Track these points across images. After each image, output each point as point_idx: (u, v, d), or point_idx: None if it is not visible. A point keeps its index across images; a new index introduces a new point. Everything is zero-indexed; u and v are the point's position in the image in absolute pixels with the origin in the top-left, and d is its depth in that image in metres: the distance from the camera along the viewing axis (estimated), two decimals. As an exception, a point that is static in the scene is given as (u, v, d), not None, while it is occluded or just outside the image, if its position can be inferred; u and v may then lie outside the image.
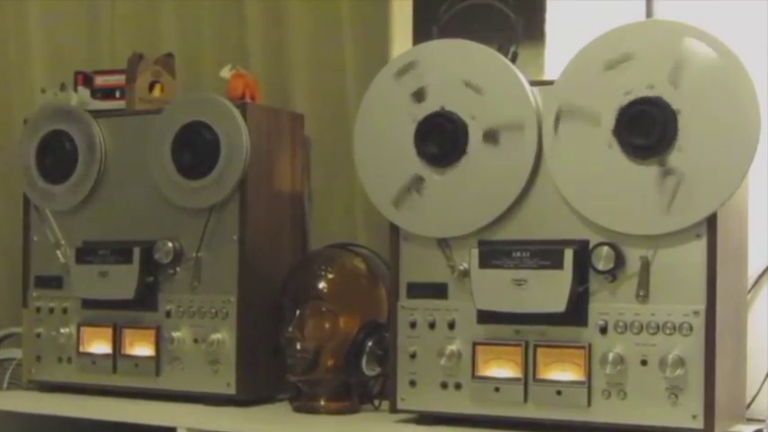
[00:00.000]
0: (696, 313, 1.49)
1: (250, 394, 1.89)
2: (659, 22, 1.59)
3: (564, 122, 1.55)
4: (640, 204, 1.50)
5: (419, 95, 1.64)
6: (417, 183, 1.64)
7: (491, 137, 1.60)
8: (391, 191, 1.66)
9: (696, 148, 1.47)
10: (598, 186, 1.53)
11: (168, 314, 1.93)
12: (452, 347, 1.63)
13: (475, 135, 1.61)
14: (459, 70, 1.62)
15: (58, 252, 2.05)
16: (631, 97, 1.49)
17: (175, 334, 1.91)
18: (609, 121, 1.51)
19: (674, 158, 1.48)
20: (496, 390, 1.59)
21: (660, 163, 1.48)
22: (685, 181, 1.47)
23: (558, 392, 1.55)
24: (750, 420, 1.66)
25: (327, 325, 1.80)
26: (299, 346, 1.79)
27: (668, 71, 1.48)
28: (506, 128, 1.59)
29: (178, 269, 1.93)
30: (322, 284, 1.81)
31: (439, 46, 1.67)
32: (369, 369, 1.79)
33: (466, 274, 1.61)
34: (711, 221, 1.48)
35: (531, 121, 1.58)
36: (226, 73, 1.98)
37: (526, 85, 1.59)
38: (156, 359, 1.93)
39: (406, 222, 1.66)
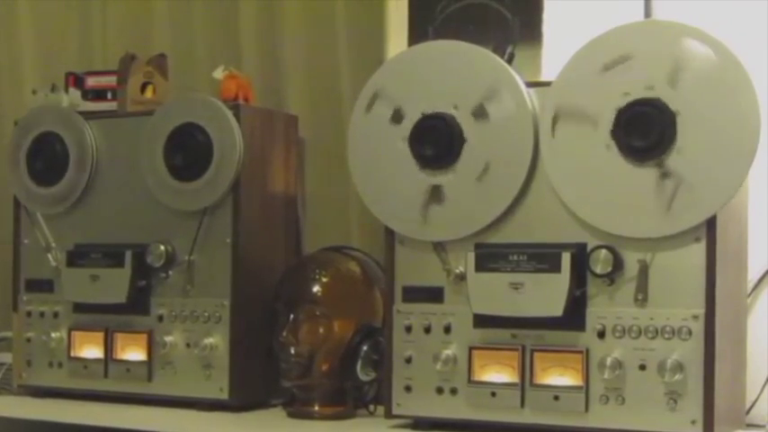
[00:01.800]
0: (695, 317, 1.48)
1: (243, 399, 1.88)
2: (658, 23, 1.58)
3: (561, 124, 1.54)
4: (639, 207, 1.49)
5: (397, 116, 1.64)
6: (435, 193, 1.63)
7: (480, 113, 1.58)
8: (413, 213, 1.64)
9: (695, 150, 1.46)
10: (596, 189, 1.52)
11: (160, 318, 1.92)
12: (448, 352, 1.62)
13: (464, 120, 1.59)
14: (429, 76, 1.62)
15: (49, 255, 2.03)
16: (630, 98, 1.48)
17: (168, 338, 1.90)
18: (607, 122, 1.50)
19: (673, 160, 1.47)
20: (493, 395, 1.59)
21: (659, 165, 1.47)
22: (684, 183, 1.46)
23: (556, 398, 1.54)
24: (750, 426, 1.66)
25: (322, 329, 1.79)
26: (293, 351, 1.78)
27: (667, 72, 1.47)
28: (488, 99, 1.58)
29: (170, 273, 1.92)
30: (316, 288, 1.80)
31: (393, 66, 1.69)
32: (364, 374, 1.78)
33: (462, 277, 1.61)
34: (711, 224, 1.47)
35: (528, 124, 1.56)
36: (219, 74, 1.97)
37: (523, 85, 1.58)
38: (149, 364, 1.92)
39: (435, 234, 1.64)
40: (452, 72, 1.61)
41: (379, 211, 1.68)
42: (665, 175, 1.47)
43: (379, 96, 1.66)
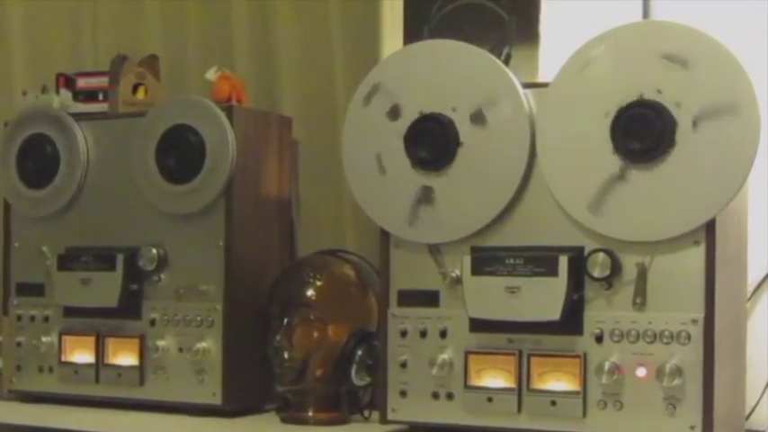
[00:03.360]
0: (694, 321, 1.47)
1: (236, 404, 1.87)
2: (658, 23, 1.57)
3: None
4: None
5: (394, 113, 1.63)
6: (426, 194, 1.62)
7: (478, 118, 1.57)
8: (401, 211, 1.63)
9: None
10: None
11: (152, 322, 1.91)
12: (444, 356, 1.61)
13: (462, 125, 1.58)
14: (429, 74, 1.60)
15: (40, 259, 2.01)
16: (629, 100, 1.47)
17: (160, 343, 1.89)
18: (605, 123, 1.49)
19: (672, 162, 1.45)
20: (489, 400, 1.57)
21: (657, 167, 1.46)
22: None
23: (553, 403, 1.53)
24: None
25: (316, 333, 1.78)
26: (286, 356, 1.77)
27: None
28: (488, 104, 1.57)
29: (162, 276, 1.91)
30: (310, 292, 1.79)
31: (397, 59, 1.67)
32: (358, 379, 1.77)
33: (458, 281, 1.59)
34: (710, 227, 1.46)
35: (525, 126, 1.55)
36: (211, 75, 1.96)
37: (519, 87, 1.57)
38: (140, 369, 1.91)
39: (421, 236, 1.63)
40: (453, 73, 1.60)
41: (370, 209, 1.66)
42: (662, 177, 1.46)
43: (378, 90, 1.65)
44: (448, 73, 1.60)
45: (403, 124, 1.62)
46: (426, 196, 1.61)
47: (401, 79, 1.64)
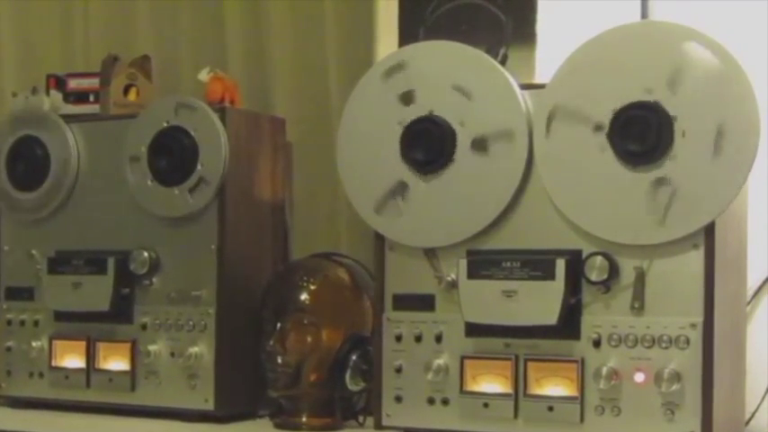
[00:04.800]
0: (693, 326, 1.46)
1: (229, 410, 1.85)
2: (658, 24, 1.56)
3: (556, 126, 1.52)
4: (635, 213, 1.47)
5: (407, 98, 1.61)
6: (401, 189, 1.61)
7: (480, 145, 1.57)
8: (373, 196, 1.63)
9: (693, 154, 1.44)
10: (591, 194, 1.50)
11: (144, 327, 1.89)
12: (440, 361, 1.60)
13: (463, 143, 1.58)
14: (450, 74, 1.59)
15: (30, 262, 2.00)
16: (627, 101, 1.46)
17: (151, 347, 1.87)
18: (603, 125, 1.48)
19: (671, 165, 1.45)
20: (485, 405, 1.57)
21: (655, 170, 1.45)
22: (682, 188, 1.44)
23: (550, 408, 1.52)
24: (749, 437, 1.65)
25: (310, 338, 1.76)
26: (280, 360, 1.76)
27: (667, 76, 1.45)
28: (496, 136, 1.56)
29: (154, 280, 1.89)
30: (304, 296, 1.78)
31: (430, 47, 1.63)
32: (353, 384, 1.76)
33: (454, 285, 1.59)
34: (709, 231, 1.45)
35: (522, 128, 1.54)
36: (204, 76, 1.95)
37: (516, 88, 1.55)
38: (132, 374, 1.89)
39: (387, 229, 1.64)
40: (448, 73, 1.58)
41: (348, 179, 1.65)
42: (661, 180, 1.45)
43: (403, 68, 1.61)
44: (469, 87, 1.57)
45: (409, 114, 1.60)
46: (401, 191, 1.60)
47: (427, 70, 1.60)
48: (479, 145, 1.56)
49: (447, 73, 1.59)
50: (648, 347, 1.47)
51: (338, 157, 1.68)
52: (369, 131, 1.64)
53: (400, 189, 1.61)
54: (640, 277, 1.48)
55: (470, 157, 1.57)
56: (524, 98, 1.55)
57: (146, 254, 1.88)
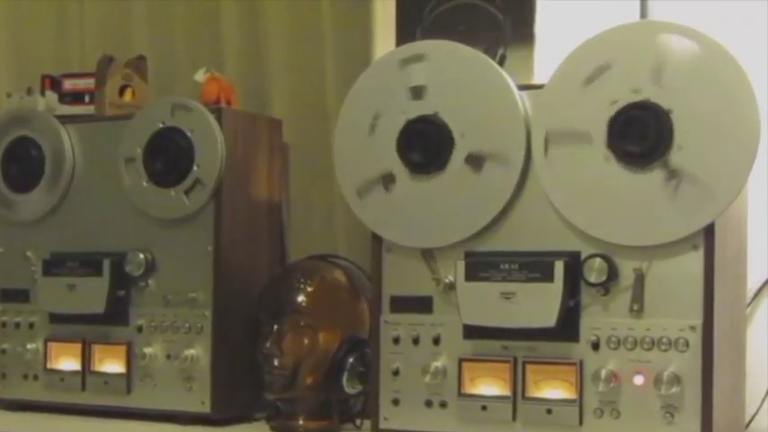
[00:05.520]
0: (693, 328, 1.45)
1: (226, 413, 1.85)
2: (631, 25, 1.54)
3: (554, 146, 1.51)
4: (634, 213, 1.46)
5: (417, 92, 1.60)
6: (388, 180, 1.61)
7: (475, 162, 1.56)
8: (359, 177, 1.63)
9: (692, 150, 1.42)
10: (591, 196, 1.49)
11: (140, 329, 1.89)
12: (437, 364, 1.59)
13: (459, 154, 1.57)
14: (463, 78, 1.57)
15: (25, 264, 1.99)
16: (618, 106, 1.46)
17: (147, 350, 1.87)
18: (600, 135, 1.47)
19: (668, 164, 1.43)
20: (484, 408, 1.56)
21: (655, 170, 1.44)
22: (682, 189, 1.43)
23: (549, 411, 1.52)
24: (749, 439, 1.65)
25: (306, 340, 1.76)
26: (276, 363, 1.75)
27: (649, 71, 1.44)
28: (492, 156, 1.55)
29: (150, 282, 1.89)
30: (301, 298, 1.77)
31: (452, 48, 1.60)
32: (350, 387, 1.75)
33: (452, 286, 1.58)
34: (709, 231, 1.44)
35: (518, 153, 1.54)
36: (200, 76, 1.95)
37: (515, 89, 1.55)
38: (127, 376, 1.89)
39: (368, 218, 1.64)
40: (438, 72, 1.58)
41: (340, 159, 1.65)
42: (661, 180, 1.43)
43: (421, 60, 1.59)
44: (435, 75, 1.57)
45: (416, 110, 1.59)
46: (386, 181, 1.60)
47: (444, 70, 1.59)
48: (474, 161, 1.56)
49: (461, 77, 1.57)
50: (648, 350, 1.47)
51: (336, 133, 1.67)
52: (372, 113, 1.63)
53: (387, 180, 1.61)
54: (639, 279, 1.47)
55: (464, 170, 1.56)
56: (522, 98, 1.54)
57: (141, 255, 1.88)
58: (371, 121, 1.63)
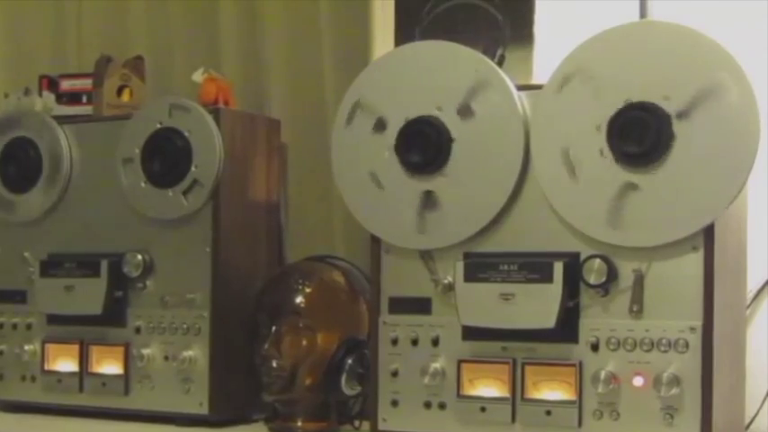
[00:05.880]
0: (692, 329, 1.45)
1: (224, 414, 1.85)
2: (631, 25, 1.53)
3: (553, 146, 1.50)
4: (632, 214, 1.46)
5: (379, 126, 1.61)
6: (386, 180, 1.60)
7: (465, 111, 1.55)
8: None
9: (691, 153, 1.42)
10: (591, 197, 1.49)
11: (138, 330, 1.89)
12: (436, 365, 1.59)
13: (451, 122, 1.56)
14: (406, 79, 1.59)
15: (22, 265, 1.99)
16: (618, 106, 1.45)
17: (145, 351, 1.87)
18: (600, 135, 1.47)
19: (669, 165, 1.43)
20: (483, 410, 1.55)
21: (654, 170, 1.44)
22: (680, 189, 1.43)
23: (548, 412, 1.51)
24: (749, 441, 1.65)
25: (305, 342, 1.75)
26: (274, 364, 1.75)
27: (649, 72, 1.44)
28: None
29: (148, 283, 1.89)
30: (299, 299, 1.77)
31: (373, 70, 1.65)
32: (348, 388, 1.75)
33: (450, 287, 1.57)
34: (708, 232, 1.44)
35: (518, 158, 1.53)
36: (198, 77, 1.95)
37: (513, 89, 1.54)
38: (125, 378, 1.89)
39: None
40: (436, 74, 1.57)
41: (374, 226, 1.64)
42: (660, 180, 1.43)
43: (358, 107, 1.63)
44: (429, 74, 1.58)
45: (391, 135, 1.60)
46: (429, 200, 1.59)
47: (379, 91, 1.62)
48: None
49: (404, 81, 1.59)
50: (647, 351, 1.46)
51: (347, 203, 1.66)
52: (364, 174, 1.63)
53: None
54: (639, 280, 1.47)
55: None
56: (521, 98, 1.54)
57: (139, 256, 1.87)
58: (372, 182, 1.62)
